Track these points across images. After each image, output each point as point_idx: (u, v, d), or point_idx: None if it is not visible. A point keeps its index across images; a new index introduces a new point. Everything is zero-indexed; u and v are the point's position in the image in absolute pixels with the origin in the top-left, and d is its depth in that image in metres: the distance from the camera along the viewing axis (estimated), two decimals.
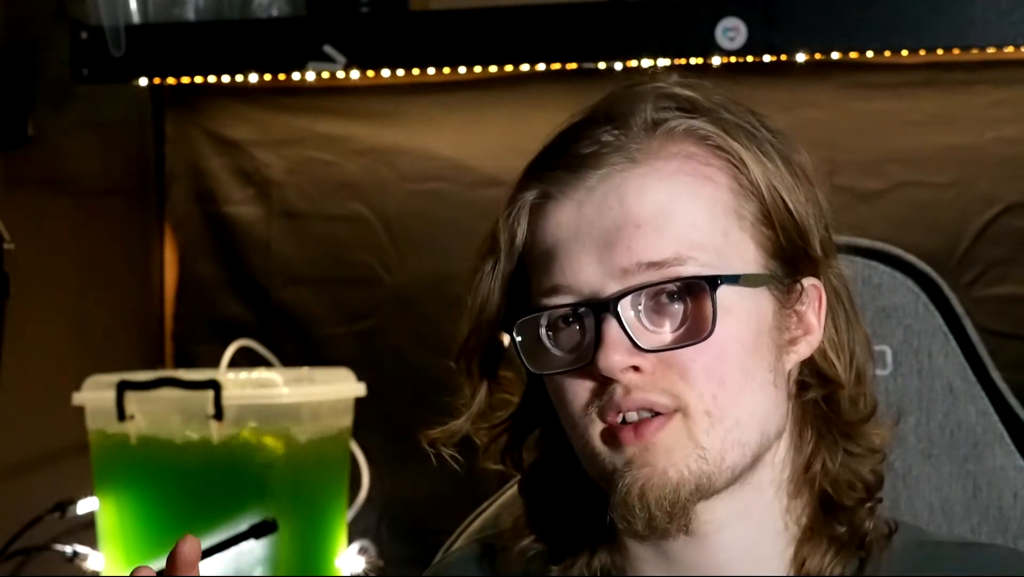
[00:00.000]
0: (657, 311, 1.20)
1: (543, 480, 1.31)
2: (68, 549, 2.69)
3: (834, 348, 1.26)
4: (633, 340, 1.19)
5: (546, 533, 1.30)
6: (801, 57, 2.63)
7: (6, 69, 3.00)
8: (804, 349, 1.25)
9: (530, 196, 1.25)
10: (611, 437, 1.20)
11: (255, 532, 2.48)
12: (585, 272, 1.21)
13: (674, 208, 1.20)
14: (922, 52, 2.62)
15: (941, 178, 2.71)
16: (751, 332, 1.21)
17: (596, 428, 1.21)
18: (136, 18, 2.82)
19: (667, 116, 1.23)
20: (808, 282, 1.25)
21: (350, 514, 2.73)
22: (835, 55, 2.65)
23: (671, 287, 1.20)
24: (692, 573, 1.25)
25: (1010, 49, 2.57)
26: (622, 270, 1.19)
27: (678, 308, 1.20)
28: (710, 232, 1.21)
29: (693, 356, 1.19)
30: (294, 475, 2.57)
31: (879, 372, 1.67)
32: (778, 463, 1.25)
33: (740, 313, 1.21)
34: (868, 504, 1.26)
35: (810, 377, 1.26)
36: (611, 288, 1.20)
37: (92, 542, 2.67)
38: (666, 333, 1.20)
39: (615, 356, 1.18)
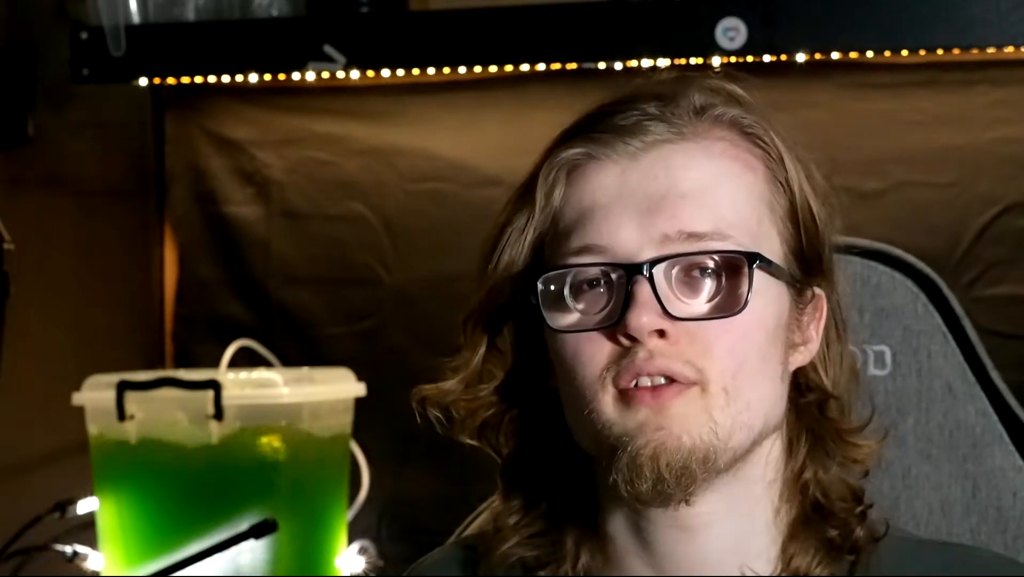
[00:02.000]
0: (688, 284, 1.21)
1: (523, 466, 1.31)
2: (68, 549, 2.69)
3: (823, 362, 1.28)
4: (664, 306, 1.19)
5: (527, 529, 1.30)
6: (801, 57, 2.63)
7: (6, 69, 3.00)
8: (804, 356, 1.27)
9: (571, 155, 1.25)
10: (623, 399, 1.20)
11: (255, 532, 2.48)
12: (623, 234, 1.21)
13: (718, 186, 1.22)
14: (922, 52, 2.62)
15: (941, 178, 2.71)
16: (773, 319, 1.23)
17: (607, 393, 1.21)
18: (136, 18, 2.82)
19: (713, 103, 1.26)
20: (816, 291, 1.27)
21: (350, 514, 2.72)
22: (835, 55, 2.65)
23: (708, 261, 1.21)
24: (678, 566, 1.25)
25: (1010, 49, 2.57)
26: (663, 236, 1.20)
27: (709, 283, 1.22)
28: (747, 216, 1.23)
29: (719, 331, 1.20)
30: (294, 475, 2.57)
31: (878, 372, 1.67)
32: (771, 461, 1.26)
33: (767, 298, 1.22)
34: (858, 510, 1.27)
35: (804, 383, 1.28)
36: (648, 253, 1.20)
37: (92, 542, 2.67)
38: (696, 304, 1.21)
39: (645, 317, 1.19)
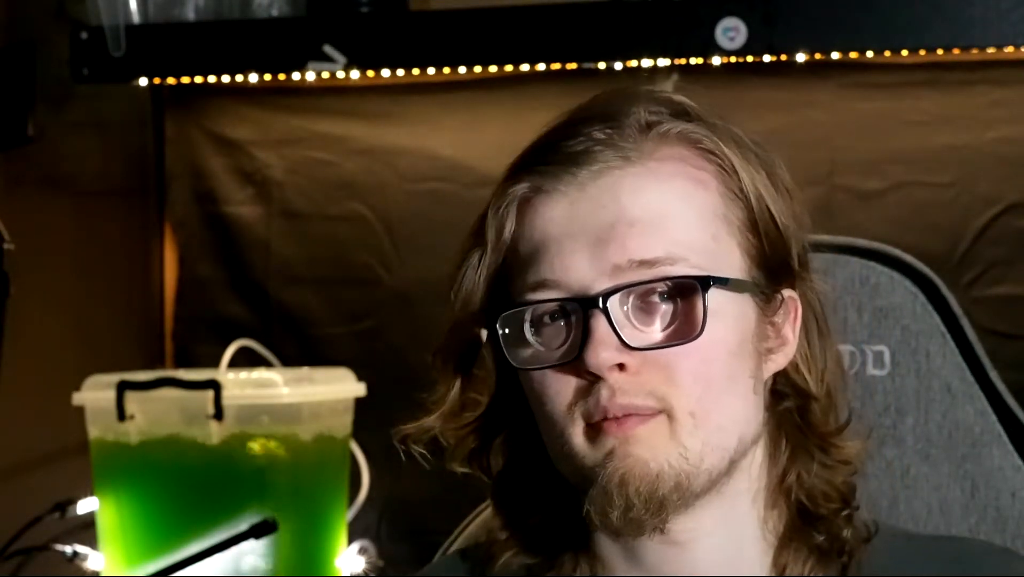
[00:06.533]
0: (645, 310, 1.21)
1: (514, 485, 1.31)
2: (68, 549, 2.69)
3: (805, 361, 1.27)
4: (621, 337, 1.18)
5: (523, 542, 1.30)
6: (801, 57, 2.63)
7: (6, 69, 3.00)
8: (780, 360, 1.26)
9: (520, 189, 1.25)
10: (592, 431, 1.20)
11: (255, 532, 2.48)
12: (576, 268, 1.20)
13: (668, 209, 1.21)
14: (922, 52, 2.62)
15: (941, 178, 2.71)
16: (736, 337, 1.22)
17: (578, 427, 1.21)
18: (136, 18, 2.82)
19: (660, 119, 1.24)
20: (786, 293, 1.25)
21: (350, 514, 2.72)
22: (835, 55, 2.65)
23: (661, 286, 1.20)
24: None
25: (1010, 49, 2.57)
26: (614, 267, 1.19)
27: (666, 308, 1.20)
28: (701, 235, 1.21)
29: (680, 357, 1.19)
30: (294, 475, 2.57)
31: (877, 372, 1.67)
32: (755, 472, 1.25)
33: (727, 317, 1.21)
34: (844, 512, 1.26)
35: (784, 387, 1.27)
36: (601, 285, 1.19)
37: (92, 542, 2.67)
38: (654, 332, 1.20)
39: (603, 353, 1.18)
